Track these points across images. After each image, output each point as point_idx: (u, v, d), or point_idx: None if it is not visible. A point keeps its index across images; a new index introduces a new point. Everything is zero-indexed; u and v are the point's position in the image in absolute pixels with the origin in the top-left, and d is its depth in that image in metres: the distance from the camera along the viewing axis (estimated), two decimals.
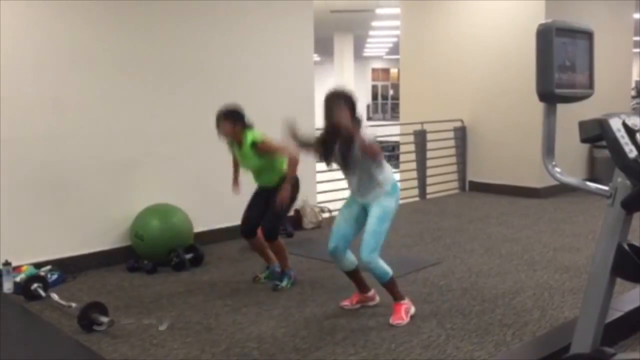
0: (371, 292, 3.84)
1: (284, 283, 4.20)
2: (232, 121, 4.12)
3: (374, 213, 3.54)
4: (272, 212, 4.16)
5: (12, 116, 4.40)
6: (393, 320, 3.55)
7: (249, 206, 4.33)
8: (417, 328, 3.49)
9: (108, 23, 4.84)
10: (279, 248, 4.24)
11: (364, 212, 3.61)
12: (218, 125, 4.15)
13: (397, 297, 3.66)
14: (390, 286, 3.64)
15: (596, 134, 2.06)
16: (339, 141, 3.52)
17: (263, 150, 4.12)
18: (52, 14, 4.59)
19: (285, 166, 4.17)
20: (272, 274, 4.34)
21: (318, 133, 3.71)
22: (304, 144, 3.77)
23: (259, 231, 4.25)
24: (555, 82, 2.05)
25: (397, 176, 9.17)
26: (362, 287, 3.82)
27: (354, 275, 3.77)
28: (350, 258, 3.69)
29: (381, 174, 3.55)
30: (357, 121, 3.51)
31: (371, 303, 3.84)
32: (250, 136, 4.14)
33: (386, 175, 3.58)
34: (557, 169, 2.16)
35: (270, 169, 4.21)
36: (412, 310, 3.66)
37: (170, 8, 5.17)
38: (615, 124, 2.01)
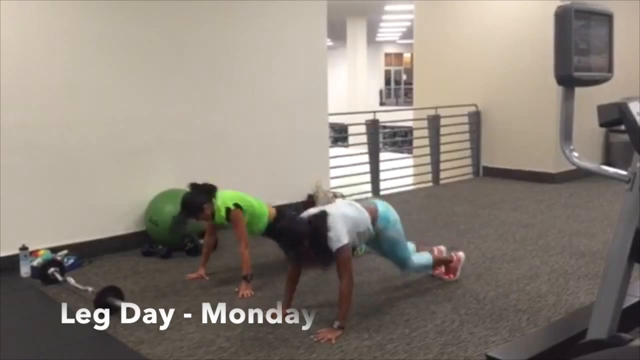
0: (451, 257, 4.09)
1: None
2: (201, 210, 3.94)
3: (386, 244, 3.67)
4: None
5: (27, 102, 4.43)
6: (449, 278, 4.00)
7: None
8: (431, 313, 3.49)
9: (121, 10, 4.84)
10: None
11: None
12: (188, 217, 4.02)
13: (446, 267, 4.02)
14: (438, 262, 3.96)
15: (615, 118, 2.03)
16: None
17: (233, 221, 4.00)
18: (64, 1, 4.60)
19: (266, 211, 4.22)
20: None
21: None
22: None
23: None
24: (574, 66, 2.02)
25: (411, 161, 9.19)
26: (444, 262, 4.08)
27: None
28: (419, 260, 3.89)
29: (367, 224, 3.50)
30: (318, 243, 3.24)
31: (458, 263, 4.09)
32: (222, 203, 3.98)
33: (369, 223, 3.51)
34: (575, 154, 2.14)
35: (256, 220, 4.20)
36: (462, 257, 4.08)
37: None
38: (635, 108, 1.98)
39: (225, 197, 4.02)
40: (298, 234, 3.19)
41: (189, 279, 4.18)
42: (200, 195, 3.97)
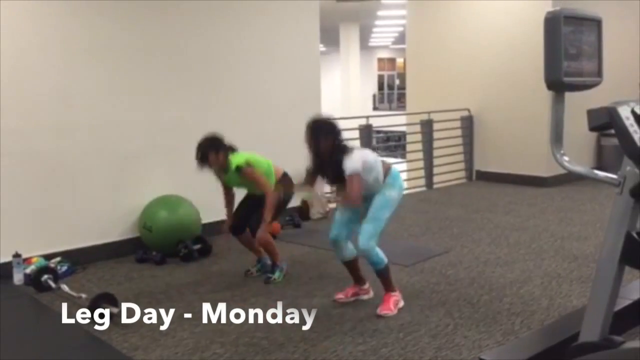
0: (366, 285, 3.84)
1: (276, 275, 4.22)
2: (215, 151, 4.08)
3: (376, 201, 3.57)
4: (260, 215, 4.18)
5: (20, 108, 4.42)
6: (381, 311, 3.56)
7: (239, 205, 4.38)
8: (425, 317, 3.50)
9: (115, 15, 4.84)
10: (268, 244, 4.27)
11: (366, 201, 3.61)
12: (201, 158, 4.10)
13: (388, 288, 3.67)
14: (384, 276, 3.64)
15: (605, 122, 2.05)
16: (328, 168, 3.58)
17: (247, 176, 4.11)
18: (59, 6, 4.59)
19: (273, 176, 4.24)
20: (264, 267, 4.36)
21: (308, 165, 3.70)
22: (304, 184, 3.84)
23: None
24: (563, 71, 2.04)
25: (404, 166, 9.22)
26: (358, 279, 3.82)
27: (352, 265, 3.78)
28: (350, 248, 3.71)
29: (378, 175, 3.58)
30: (340, 148, 3.53)
31: (365, 296, 3.83)
32: (234, 161, 4.10)
33: (381, 175, 3.61)
34: (566, 158, 2.16)
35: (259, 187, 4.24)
36: (401, 303, 3.67)
37: (175, 3, 5.17)
38: (624, 112, 2.00)
39: (238, 156, 4.14)
40: (329, 127, 3.58)
41: (225, 228, 4.33)
42: (211, 143, 4.10)
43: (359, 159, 3.48)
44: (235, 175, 4.12)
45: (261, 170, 4.20)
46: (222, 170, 4.18)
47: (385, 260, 3.59)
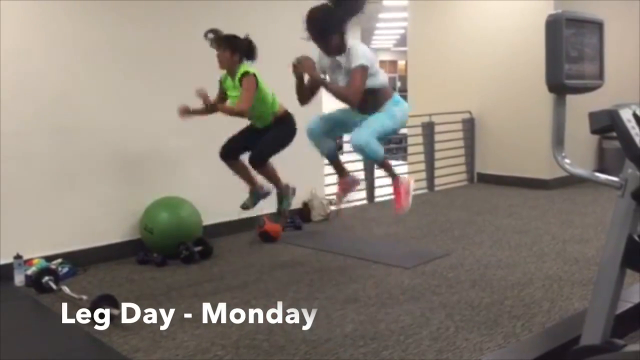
0: (349, 176, 3.87)
1: (285, 204, 4.13)
2: (231, 50, 4.06)
3: (380, 114, 3.52)
4: (264, 141, 4.16)
5: (22, 110, 4.42)
6: (396, 208, 3.49)
7: (235, 135, 4.33)
8: (426, 320, 3.49)
9: (117, 18, 4.85)
10: (270, 170, 4.16)
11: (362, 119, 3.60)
12: (218, 45, 4.10)
13: (394, 176, 3.62)
14: (385, 165, 3.62)
15: (606, 124, 2.06)
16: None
17: (242, 84, 4.09)
18: (60, 8, 4.59)
19: (276, 106, 4.30)
20: (258, 198, 4.28)
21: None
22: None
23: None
24: (565, 73, 2.05)
25: (405, 168, 9.23)
26: (341, 171, 3.85)
27: (335, 162, 3.84)
28: (330, 145, 3.75)
29: (377, 79, 3.56)
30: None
31: (356, 187, 3.89)
32: (244, 68, 4.12)
33: (384, 80, 3.60)
34: (567, 160, 2.16)
35: (261, 103, 4.20)
36: (412, 184, 3.61)
37: (177, 2, 5.18)
38: (626, 115, 2.01)
39: (251, 67, 4.12)
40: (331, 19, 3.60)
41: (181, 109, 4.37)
42: (232, 41, 4.13)
43: (370, 54, 3.43)
44: (237, 82, 4.08)
45: (261, 94, 4.20)
46: (230, 75, 4.17)
47: (382, 152, 3.52)
